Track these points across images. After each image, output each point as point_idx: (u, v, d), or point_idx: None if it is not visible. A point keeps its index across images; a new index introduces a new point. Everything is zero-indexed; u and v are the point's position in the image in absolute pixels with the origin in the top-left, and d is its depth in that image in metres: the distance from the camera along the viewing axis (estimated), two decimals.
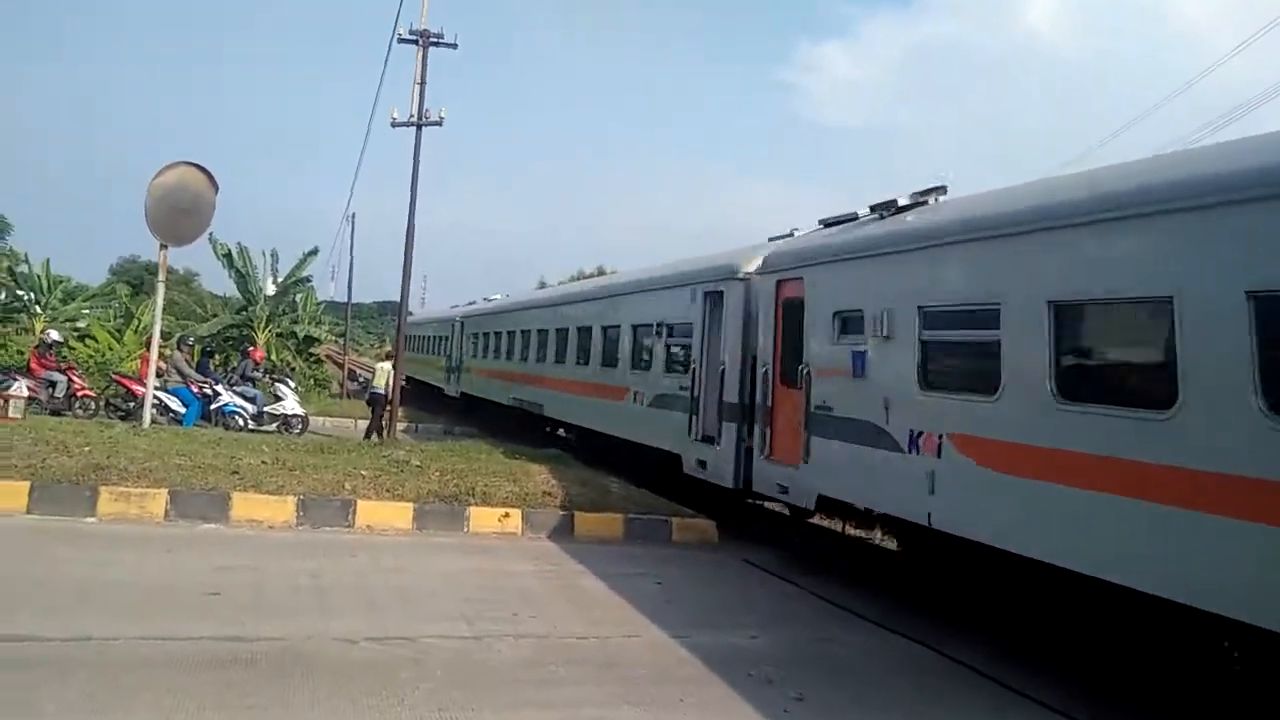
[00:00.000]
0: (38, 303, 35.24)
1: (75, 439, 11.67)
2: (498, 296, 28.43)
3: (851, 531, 11.76)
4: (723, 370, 11.40)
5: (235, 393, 19.08)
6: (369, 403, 21.54)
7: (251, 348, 24.44)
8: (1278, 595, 4.87)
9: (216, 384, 18.98)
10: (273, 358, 30.67)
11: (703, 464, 11.75)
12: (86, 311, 36.82)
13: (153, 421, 15.12)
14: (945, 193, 8.86)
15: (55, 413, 17.31)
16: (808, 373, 9.59)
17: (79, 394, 18.58)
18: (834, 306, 9.39)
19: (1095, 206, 6.42)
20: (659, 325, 13.49)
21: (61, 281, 37.78)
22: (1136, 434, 5.81)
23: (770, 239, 12.10)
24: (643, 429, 13.87)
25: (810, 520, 11.63)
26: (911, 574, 9.53)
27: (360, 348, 69.66)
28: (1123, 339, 6.66)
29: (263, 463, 11.57)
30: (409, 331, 35.31)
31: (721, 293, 11.70)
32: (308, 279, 36.32)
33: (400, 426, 20.28)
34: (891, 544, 10.88)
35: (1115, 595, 5.99)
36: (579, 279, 46.19)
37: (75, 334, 29.64)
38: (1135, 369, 6.44)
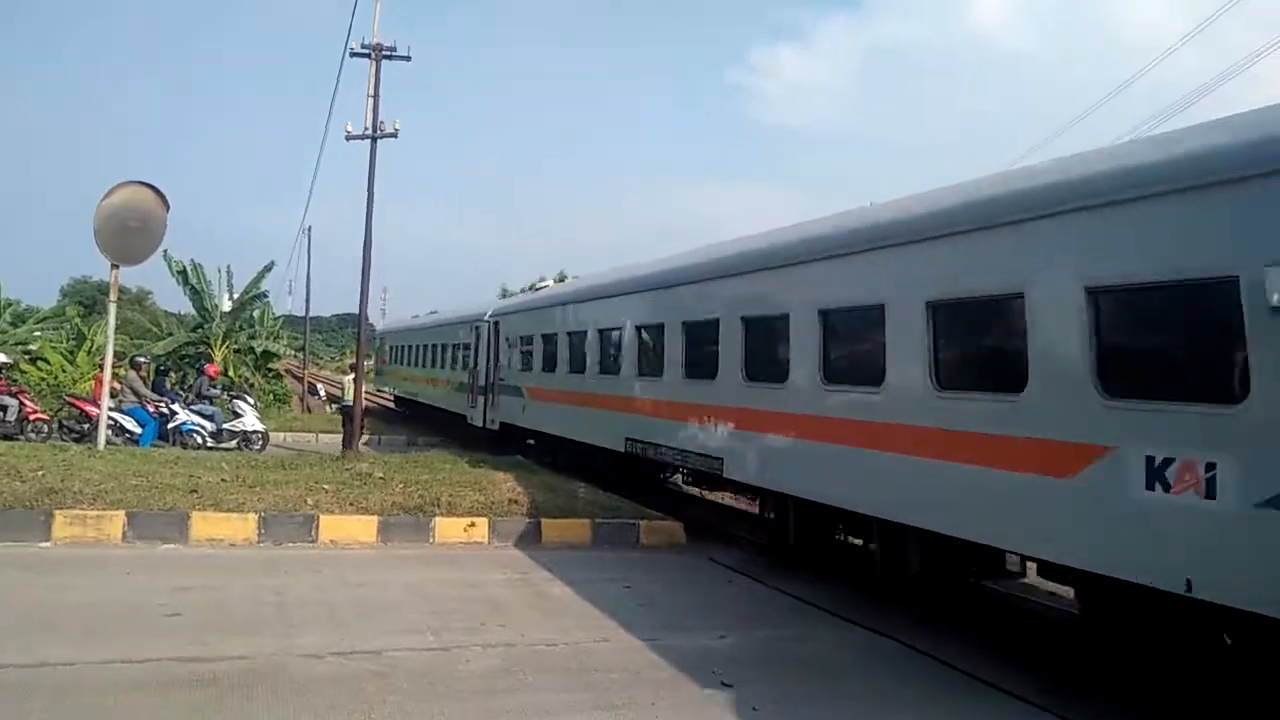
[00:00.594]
0: None
1: (28, 463, 11.37)
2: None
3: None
4: (478, 368, 21.54)
5: (192, 411, 18.81)
6: (342, 414, 21.26)
7: (207, 364, 24.12)
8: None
9: (173, 402, 18.65)
10: (231, 374, 30.27)
11: (472, 416, 21.98)
12: (38, 334, 35.90)
13: (108, 443, 14.85)
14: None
15: (6, 437, 16.89)
16: (499, 366, 19.97)
17: (31, 417, 18.24)
18: (509, 334, 19.61)
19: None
20: (455, 345, 24.41)
21: (11, 305, 37.07)
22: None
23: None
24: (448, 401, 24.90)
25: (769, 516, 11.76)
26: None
27: (321, 361, 68.93)
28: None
29: (222, 480, 11.41)
30: (395, 341, 35.08)
31: (479, 327, 21.66)
32: (264, 294, 35.98)
33: (363, 439, 20.14)
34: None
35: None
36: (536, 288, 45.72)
37: (26, 357, 29.08)
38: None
